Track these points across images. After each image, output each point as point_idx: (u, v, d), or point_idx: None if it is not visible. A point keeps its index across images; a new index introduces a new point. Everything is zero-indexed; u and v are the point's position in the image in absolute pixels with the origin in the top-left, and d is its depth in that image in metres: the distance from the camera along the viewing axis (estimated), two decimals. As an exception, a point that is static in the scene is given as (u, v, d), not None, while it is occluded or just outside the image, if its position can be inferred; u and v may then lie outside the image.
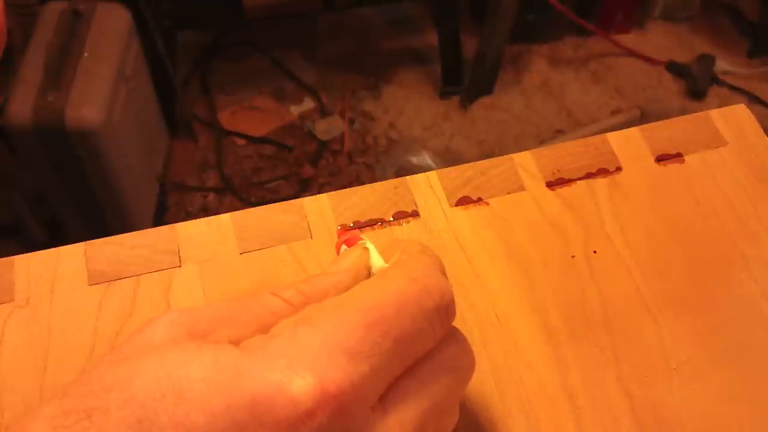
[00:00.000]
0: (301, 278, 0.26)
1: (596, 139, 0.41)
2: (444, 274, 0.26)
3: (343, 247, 0.29)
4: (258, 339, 0.23)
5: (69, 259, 0.36)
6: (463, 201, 0.38)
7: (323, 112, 1.58)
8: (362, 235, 0.29)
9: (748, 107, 0.42)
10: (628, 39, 1.73)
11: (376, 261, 0.27)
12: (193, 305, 0.31)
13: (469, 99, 1.61)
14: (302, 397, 0.21)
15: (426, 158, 1.53)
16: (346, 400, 0.21)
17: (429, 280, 0.25)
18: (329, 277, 0.26)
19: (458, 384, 0.26)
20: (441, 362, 0.25)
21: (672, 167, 0.40)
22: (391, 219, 0.37)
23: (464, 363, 0.26)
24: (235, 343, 0.23)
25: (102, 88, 1.13)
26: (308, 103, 1.60)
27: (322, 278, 0.26)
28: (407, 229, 0.37)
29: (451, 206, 0.38)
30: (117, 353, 0.23)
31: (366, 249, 0.27)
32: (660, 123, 0.41)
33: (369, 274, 0.27)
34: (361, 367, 0.22)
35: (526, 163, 0.40)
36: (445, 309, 0.25)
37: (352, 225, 0.37)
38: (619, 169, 0.40)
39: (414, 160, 1.52)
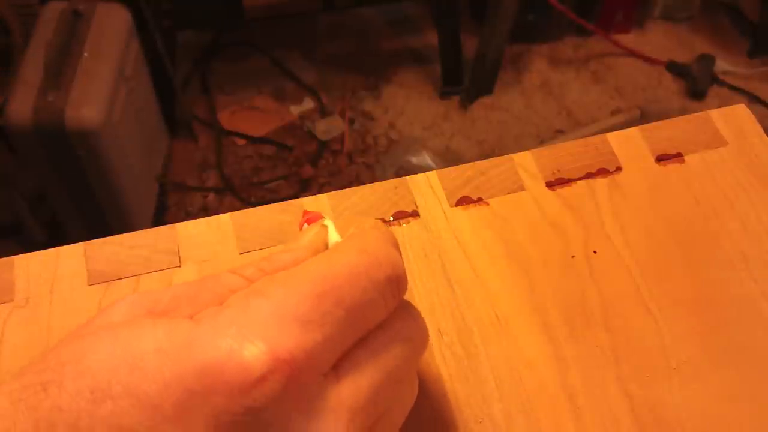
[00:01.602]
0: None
1: (596, 139, 0.41)
2: (396, 247, 0.27)
3: (305, 226, 0.30)
4: (210, 310, 0.23)
5: (69, 259, 0.36)
6: (463, 201, 0.38)
7: (323, 112, 1.58)
8: (323, 215, 0.29)
9: (748, 107, 0.42)
10: (628, 39, 1.73)
11: (334, 237, 0.28)
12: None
13: (469, 99, 1.61)
14: (254, 363, 0.21)
15: (426, 158, 1.53)
16: (299, 366, 0.21)
17: (380, 253, 0.25)
18: (288, 254, 0.26)
19: (411, 354, 0.26)
20: (393, 333, 0.25)
21: (672, 167, 0.40)
22: (391, 219, 0.37)
23: (416, 334, 0.26)
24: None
25: (102, 88, 1.13)
26: (308, 103, 1.60)
27: (282, 255, 0.26)
28: (407, 229, 0.37)
29: (451, 206, 0.38)
30: (75, 333, 0.23)
31: (324, 226, 0.28)
32: (660, 123, 0.41)
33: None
34: (313, 334, 0.22)
35: (526, 163, 0.39)
36: (396, 280, 0.25)
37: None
38: (619, 169, 0.40)
39: (414, 160, 1.52)
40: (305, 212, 0.31)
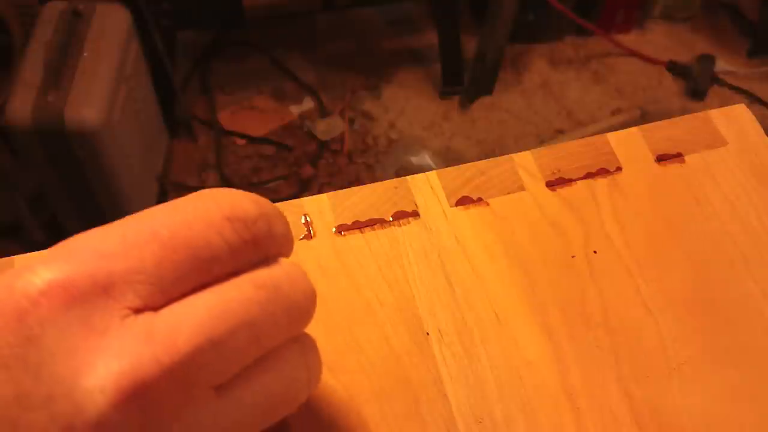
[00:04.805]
0: None
1: (596, 139, 0.41)
2: (269, 206, 0.24)
3: None
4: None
5: (69, 259, 0.36)
6: (463, 201, 0.38)
7: (323, 112, 1.58)
8: None
9: (748, 107, 0.42)
10: (629, 39, 1.73)
11: None
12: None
13: (469, 99, 1.61)
14: (28, 289, 0.19)
15: (426, 158, 1.53)
16: (80, 289, 0.20)
17: (219, 195, 0.23)
18: None
19: (291, 397, 0.23)
20: (270, 362, 0.22)
21: (672, 167, 0.40)
22: (391, 219, 0.37)
23: (301, 375, 0.24)
24: None
25: (102, 88, 1.13)
26: (308, 103, 1.60)
27: None
28: (407, 229, 0.37)
29: (451, 206, 0.38)
30: None
31: None
32: (660, 123, 0.41)
33: None
34: (109, 264, 0.20)
35: (526, 163, 0.39)
36: (242, 221, 0.22)
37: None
38: (619, 169, 0.40)
39: (414, 160, 1.52)
40: None
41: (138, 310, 0.20)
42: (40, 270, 0.20)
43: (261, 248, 0.23)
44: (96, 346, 0.19)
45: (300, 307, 0.23)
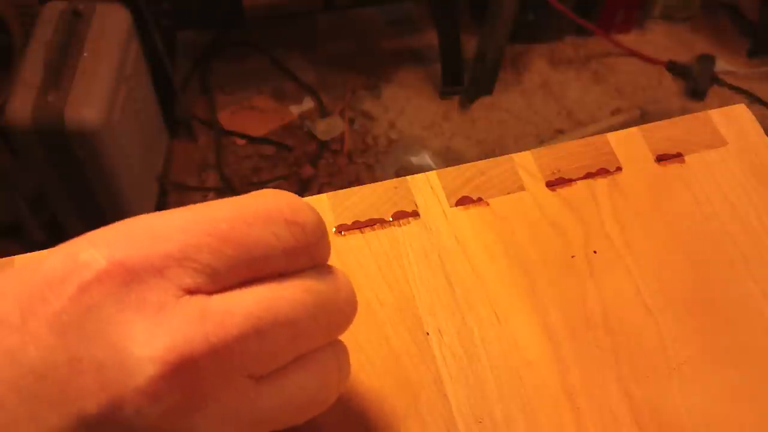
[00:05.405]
0: None
1: (596, 139, 0.41)
2: (311, 209, 0.25)
3: None
4: None
5: (69, 259, 0.36)
6: (463, 201, 0.38)
7: (323, 112, 1.58)
8: None
9: (748, 107, 0.42)
10: (629, 39, 1.73)
11: None
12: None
13: (469, 99, 1.61)
14: (91, 263, 0.21)
15: (426, 158, 1.53)
16: (136, 270, 0.21)
17: (279, 196, 0.24)
18: None
19: (322, 397, 0.24)
20: (306, 363, 0.23)
21: (672, 167, 0.40)
22: (391, 219, 0.37)
23: (333, 376, 0.25)
24: None
25: (102, 88, 1.13)
26: (308, 103, 1.60)
27: None
28: (407, 229, 0.37)
29: (451, 206, 0.38)
30: None
31: None
32: (660, 123, 0.41)
33: None
34: (165, 246, 0.21)
35: (526, 163, 0.39)
36: (301, 226, 0.23)
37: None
38: (619, 169, 0.40)
39: (414, 160, 1.52)
40: None
41: (192, 292, 0.21)
42: (104, 248, 0.21)
43: (311, 254, 0.24)
44: (151, 320, 0.21)
45: (341, 313, 0.24)
